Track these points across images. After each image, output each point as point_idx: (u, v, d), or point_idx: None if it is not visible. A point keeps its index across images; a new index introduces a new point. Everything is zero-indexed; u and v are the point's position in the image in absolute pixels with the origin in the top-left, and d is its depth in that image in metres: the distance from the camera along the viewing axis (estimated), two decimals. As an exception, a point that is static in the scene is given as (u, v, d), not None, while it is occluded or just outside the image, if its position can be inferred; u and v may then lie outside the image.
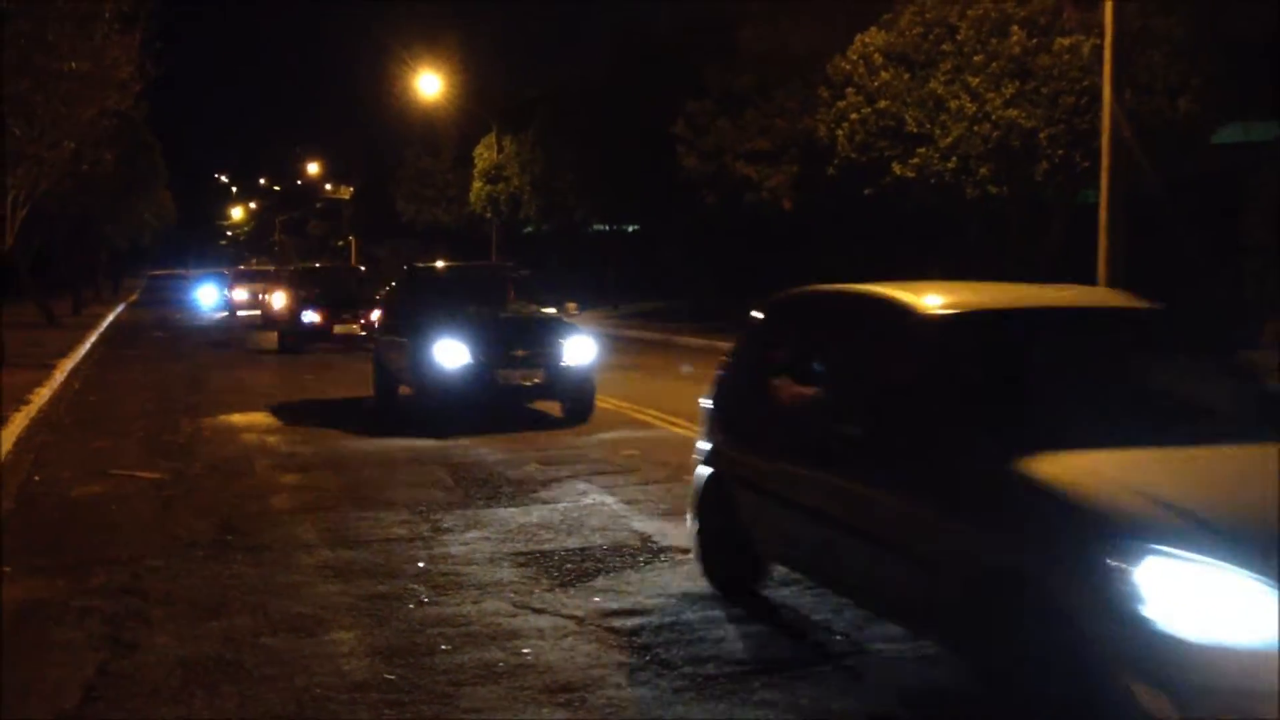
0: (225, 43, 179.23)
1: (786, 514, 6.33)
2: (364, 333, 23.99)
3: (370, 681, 5.79)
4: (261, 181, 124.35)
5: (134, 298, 59.96)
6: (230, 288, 47.99)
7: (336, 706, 5.49)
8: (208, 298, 54.16)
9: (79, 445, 13.11)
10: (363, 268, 34.66)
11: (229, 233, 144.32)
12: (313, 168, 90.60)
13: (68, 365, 21.28)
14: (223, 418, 15.33)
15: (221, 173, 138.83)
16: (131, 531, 8.99)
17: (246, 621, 6.72)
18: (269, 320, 31.88)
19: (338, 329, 25.57)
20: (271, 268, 51.42)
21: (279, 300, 29.66)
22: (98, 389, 18.85)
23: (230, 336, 32.68)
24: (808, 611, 6.77)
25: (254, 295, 42.86)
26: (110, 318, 40.43)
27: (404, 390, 15.56)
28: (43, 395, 16.54)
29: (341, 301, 26.11)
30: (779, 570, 7.67)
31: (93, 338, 29.50)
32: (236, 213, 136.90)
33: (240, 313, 43.40)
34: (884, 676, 5.79)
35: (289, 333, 26.62)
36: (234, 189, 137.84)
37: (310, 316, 25.72)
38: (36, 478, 11.12)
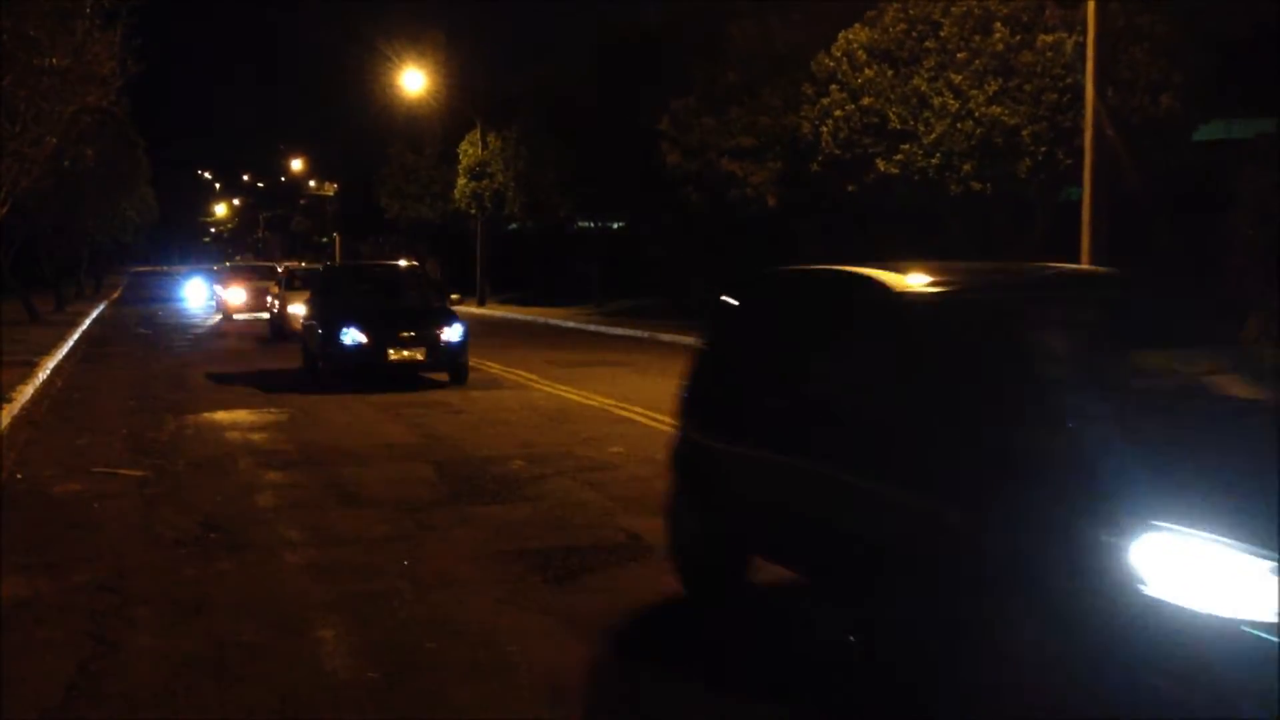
0: (208, 39, 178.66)
1: None
2: (426, 360, 17.87)
3: (354, 680, 5.78)
4: (245, 178, 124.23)
5: (117, 295, 59.64)
6: (223, 285, 40.28)
7: (320, 705, 5.48)
8: (195, 296, 50.61)
9: (62, 443, 13.05)
10: (416, 263, 24.79)
11: (212, 229, 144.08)
12: (296, 164, 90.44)
13: (50, 363, 21.19)
14: (206, 415, 15.27)
15: (205, 169, 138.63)
16: (114, 529, 8.96)
17: (229, 620, 6.70)
18: (281, 331, 27.41)
19: (394, 355, 17.70)
20: (278, 264, 43.94)
21: (298, 309, 23.81)
22: (80, 386, 18.77)
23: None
24: (792, 607, 6.76)
25: (254, 296, 36.66)
26: (93, 315, 40.24)
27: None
28: (25, 393, 16.46)
29: (398, 316, 18.46)
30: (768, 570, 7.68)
31: (75, 335, 29.37)
32: (220, 209, 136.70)
33: (237, 317, 37.36)
34: (874, 672, 5.80)
35: (321, 358, 18.62)
36: (217, 185, 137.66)
37: (354, 336, 17.68)
38: (19, 475, 11.07)
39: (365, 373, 17.77)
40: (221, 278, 42.41)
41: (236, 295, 38.22)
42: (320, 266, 26.82)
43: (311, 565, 7.89)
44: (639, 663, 5.99)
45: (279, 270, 35.94)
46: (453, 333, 17.98)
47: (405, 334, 17.82)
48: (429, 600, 7.04)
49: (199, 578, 7.59)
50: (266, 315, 31.70)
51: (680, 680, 5.74)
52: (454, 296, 21.37)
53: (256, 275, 39.76)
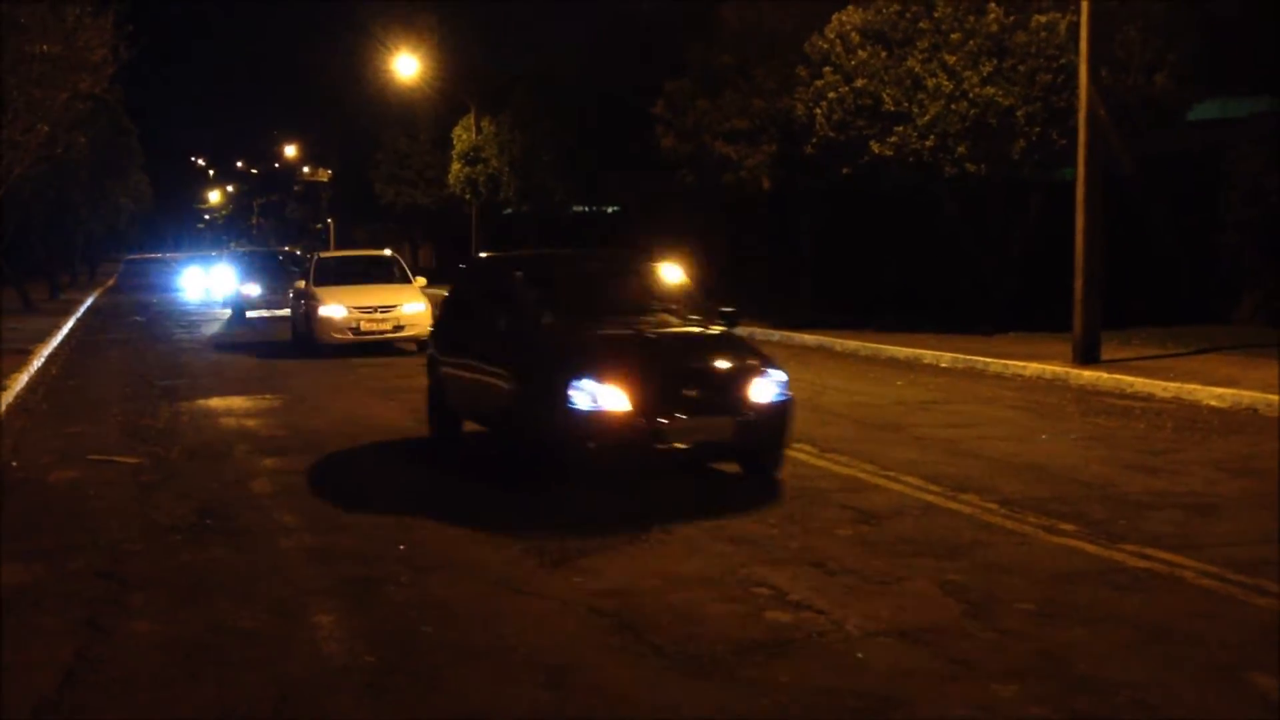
0: (201, 25, 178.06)
1: None
2: (733, 440, 9.41)
3: (351, 665, 5.78)
4: (239, 164, 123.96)
5: (112, 282, 59.50)
6: (237, 276, 33.17)
7: (316, 690, 5.48)
8: (193, 286, 46.73)
9: (57, 430, 13.04)
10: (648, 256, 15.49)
11: (206, 216, 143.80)
12: (290, 150, 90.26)
13: (45, 351, 21.17)
14: (201, 402, 15.26)
15: (198, 156, 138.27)
16: (110, 516, 8.95)
17: (225, 606, 6.70)
18: (307, 339, 21.44)
19: (677, 439, 9.14)
20: (297, 249, 35.22)
21: (335, 310, 20.56)
22: (75, 374, 18.75)
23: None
24: (786, 590, 6.78)
25: (271, 291, 30.41)
26: (88, 303, 40.16)
27: None
28: (20, 381, 16.44)
29: (674, 357, 9.89)
30: (747, 544, 7.69)
31: (70, 323, 29.33)
32: (214, 196, 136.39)
33: (250, 314, 30.99)
34: (864, 654, 5.81)
35: (535, 431, 9.68)
36: (211, 172, 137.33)
37: (600, 399, 9.05)
38: (14, 463, 11.06)
39: (614, 469, 9.43)
40: (240, 267, 34.83)
41: (250, 289, 31.86)
42: (481, 257, 16.07)
43: (308, 551, 7.89)
44: (635, 645, 5.99)
45: (305, 258, 29.45)
46: (766, 388, 9.44)
47: (693, 392, 9.24)
48: (425, 584, 7.05)
49: (195, 564, 7.59)
50: (286, 313, 25.75)
51: (676, 662, 5.75)
52: (726, 310, 11.01)
53: (274, 265, 34.22)
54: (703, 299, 11.67)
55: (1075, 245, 16.41)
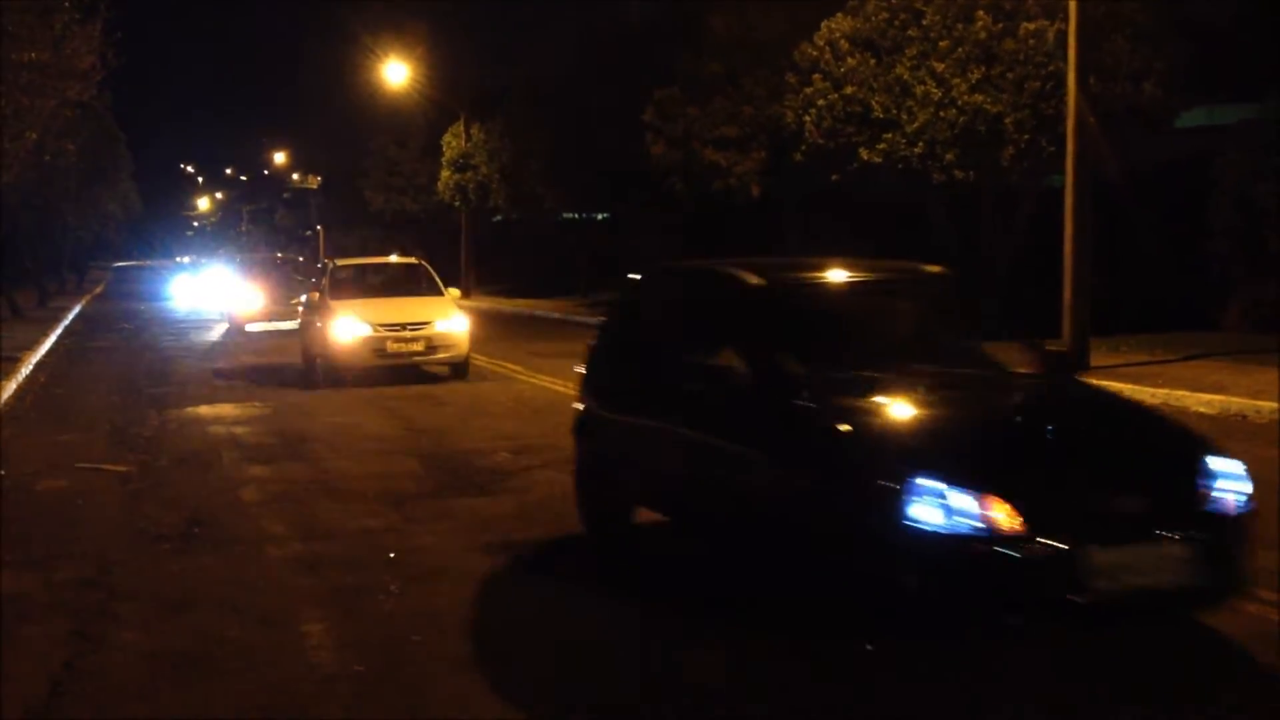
0: (191, 32, 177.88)
1: None
2: (1193, 580, 5.47)
3: (340, 674, 5.77)
4: (228, 171, 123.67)
5: (100, 289, 59.32)
6: (249, 290, 28.88)
7: (306, 700, 5.47)
8: (183, 294, 46.03)
9: (45, 439, 12.99)
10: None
11: (195, 223, 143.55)
12: (279, 157, 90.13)
13: (33, 358, 21.11)
14: (190, 410, 15.22)
15: (187, 163, 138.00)
16: (98, 525, 8.93)
17: (214, 615, 6.68)
18: (320, 364, 17.97)
19: (1114, 579, 5.30)
20: (303, 258, 30.56)
21: (353, 328, 17.24)
22: (63, 382, 18.69)
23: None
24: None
25: (273, 302, 27.43)
26: (76, 310, 40.04)
27: None
28: (7, 389, 16.39)
29: (1074, 441, 5.90)
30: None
31: (58, 331, 29.25)
32: (203, 203, 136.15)
33: (250, 326, 27.85)
34: (840, 665, 5.81)
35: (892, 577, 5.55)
36: (200, 179, 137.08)
37: (963, 511, 5.24)
38: (2, 472, 11.01)
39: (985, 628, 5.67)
40: (239, 274, 31.42)
41: (249, 300, 28.42)
42: (682, 266, 9.74)
43: (296, 559, 7.87)
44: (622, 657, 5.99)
45: (321, 266, 22.36)
46: (1219, 488, 5.62)
47: (1119, 500, 5.47)
48: (414, 593, 7.03)
49: (184, 573, 7.57)
50: (291, 326, 22.94)
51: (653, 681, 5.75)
52: (1054, 350, 7.48)
53: (276, 272, 30.72)
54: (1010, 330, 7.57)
55: (1064, 252, 16.44)
